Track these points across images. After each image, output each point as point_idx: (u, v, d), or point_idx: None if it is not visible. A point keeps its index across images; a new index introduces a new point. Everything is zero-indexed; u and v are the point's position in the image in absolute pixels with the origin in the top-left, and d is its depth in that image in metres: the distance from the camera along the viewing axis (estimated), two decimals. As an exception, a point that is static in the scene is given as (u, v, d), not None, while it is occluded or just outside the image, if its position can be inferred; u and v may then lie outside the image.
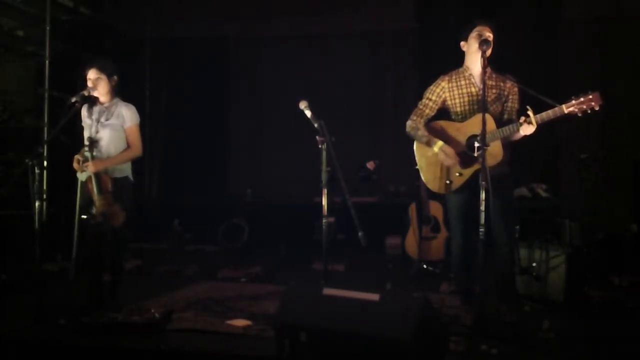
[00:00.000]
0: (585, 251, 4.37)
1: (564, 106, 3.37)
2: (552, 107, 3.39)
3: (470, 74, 3.76)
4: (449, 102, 3.82)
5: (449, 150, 3.67)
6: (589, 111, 3.34)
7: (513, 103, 3.77)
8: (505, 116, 3.75)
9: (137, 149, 4.03)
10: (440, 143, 3.70)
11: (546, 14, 6.71)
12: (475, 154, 3.60)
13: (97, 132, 3.93)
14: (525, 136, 3.53)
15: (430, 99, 3.84)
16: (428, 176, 3.84)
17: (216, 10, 7.72)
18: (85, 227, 3.94)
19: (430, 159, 3.81)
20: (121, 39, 7.53)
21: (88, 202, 3.88)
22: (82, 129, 4.09)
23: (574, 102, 3.35)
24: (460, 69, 3.82)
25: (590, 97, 3.32)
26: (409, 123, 3.87)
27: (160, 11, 7.82)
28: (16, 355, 3.35)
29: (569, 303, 4.08)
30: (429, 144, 3.74)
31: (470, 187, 3.66)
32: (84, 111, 4.01)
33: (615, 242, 5.10)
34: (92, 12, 7.09)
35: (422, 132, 3.79)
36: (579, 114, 3.35)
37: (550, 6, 6.71)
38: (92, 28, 7.03)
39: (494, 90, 3.74)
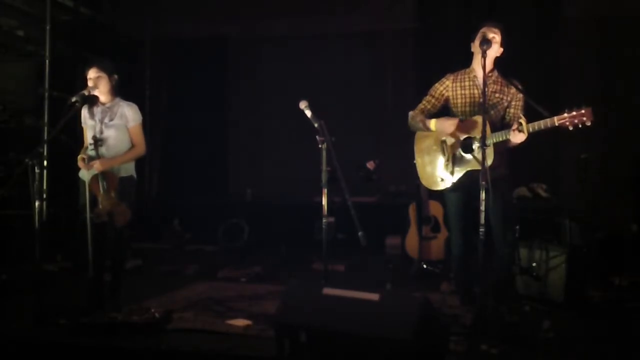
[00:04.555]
0: (585, 251, 4.36)
1: (555, 118, 3.38)
2: (545, 116, 3.40)
3: (475, 76, 3.78)
4: (451, 101, 3.85)
5: (444, 120, 3.70)
6: (580, 125, 3.35)
7: (516, 110, 3.77)
8: (506, 121, 3.76)
9: (141, 148, 4.08)
10: (434, 120, 3.76)
11: (546, 13, 6.71)
12: (470, 154, 3.63)
13: (101, 132, 3.94)
14: (519, 143, 3.53)
15: (433, 96, 3.90)
16: (423, 172, 3.90)
17: (216, 10, 7.73)
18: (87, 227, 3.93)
19: (427, 154, 3.86)
20: (121, 39, 7.52)
21: (92, 202, 3.88)
22: (82, 129, 4.10)
23: (566, 115, 3.36)
24: (467, 69, 3.84)
25: (583, 111, 3.33)
26: (410, 114, 3.94)
27: (160, 11, 7.82)
28: (16, 355, 3.35)
29: (569, 303, 4.07)
30: (424, 125, 3.80)
31: (465, 186, 3.69)
32: (84, 112, 4.02)
33: (615, 242, 5.09)
34: (92, 12, 7.09)
35: (419, 118, 3.85)
36: (570, 127, 3.36)
37: (550, 6, 6.71)
38: (92, 28, 7.03)
39: (497, 95, 3.75)
